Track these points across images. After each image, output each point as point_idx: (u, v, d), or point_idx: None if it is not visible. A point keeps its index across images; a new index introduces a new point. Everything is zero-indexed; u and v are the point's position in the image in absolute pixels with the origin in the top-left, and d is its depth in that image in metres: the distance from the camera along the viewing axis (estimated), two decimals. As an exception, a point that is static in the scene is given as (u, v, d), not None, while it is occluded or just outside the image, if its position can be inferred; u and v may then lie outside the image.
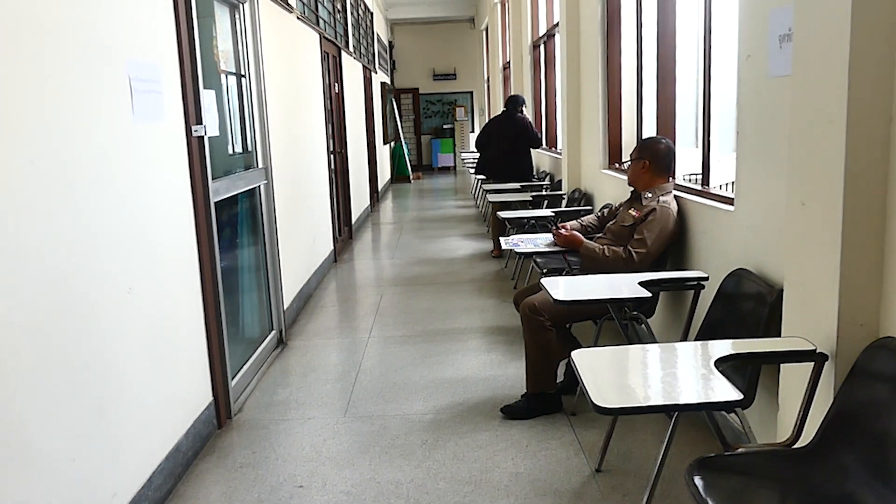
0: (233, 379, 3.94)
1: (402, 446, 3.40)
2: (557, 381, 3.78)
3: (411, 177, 17.56)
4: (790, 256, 2.40)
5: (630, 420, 3.54)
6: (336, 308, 5.80)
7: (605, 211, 4.29)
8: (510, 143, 7.62)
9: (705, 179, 3.86)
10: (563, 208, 6.52)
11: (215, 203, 3.74)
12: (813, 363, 2.25)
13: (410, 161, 18.90)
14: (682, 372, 2.13)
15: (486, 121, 9.08)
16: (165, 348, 3.11)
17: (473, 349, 4.68)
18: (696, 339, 2.93)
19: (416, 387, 4.10)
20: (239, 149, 4.51)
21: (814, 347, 2.24)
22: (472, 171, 9.27)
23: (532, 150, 7.81)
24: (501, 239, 4.31)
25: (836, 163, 2.15)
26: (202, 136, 3.52)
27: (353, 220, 9.27)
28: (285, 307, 5.20)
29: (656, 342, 2.77)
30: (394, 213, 11.83)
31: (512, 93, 9.91)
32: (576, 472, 3.08)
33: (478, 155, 8.41)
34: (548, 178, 8.54)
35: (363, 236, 9.35)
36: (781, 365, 2.56)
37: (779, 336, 2.52)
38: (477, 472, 3.12)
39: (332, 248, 7.49)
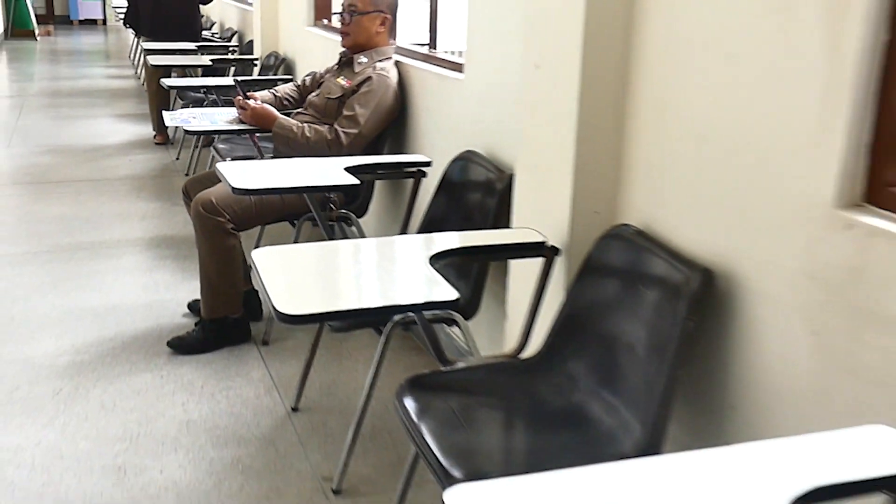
0: None
1: (25, 400, 2.86)
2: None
3: (37, 32, 14.22)
4: (522, 132, 2.27)
5: (336, 347, 3.15)
6: None
7: (308, 80, 3.75)
8: None
9: (433, 42, 3.59)
10: (255, 76, 5.81)
11: None
12: (543, 259, 2.13)
13: (36, 9, 15.54)
14: (390, 272, 1.94)
15: None
16: None
17: (130, 268, 4.09)
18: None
19: (45, 321, 3.46)
20: None
21: (543, 239, 2.13)
22: (125, 23, 7.49)
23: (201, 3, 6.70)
24: (166, 114, 3.77)
25: (575, 15, 1.98)
26: None
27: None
28: None
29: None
30: (10, 82, 9.99)
31: None
32: (267, 413, 2.80)
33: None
34: (235, 37, 7.70)
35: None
36: (510, 264, 2.32)
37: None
38: (134, 424, 2.74)
39: None
